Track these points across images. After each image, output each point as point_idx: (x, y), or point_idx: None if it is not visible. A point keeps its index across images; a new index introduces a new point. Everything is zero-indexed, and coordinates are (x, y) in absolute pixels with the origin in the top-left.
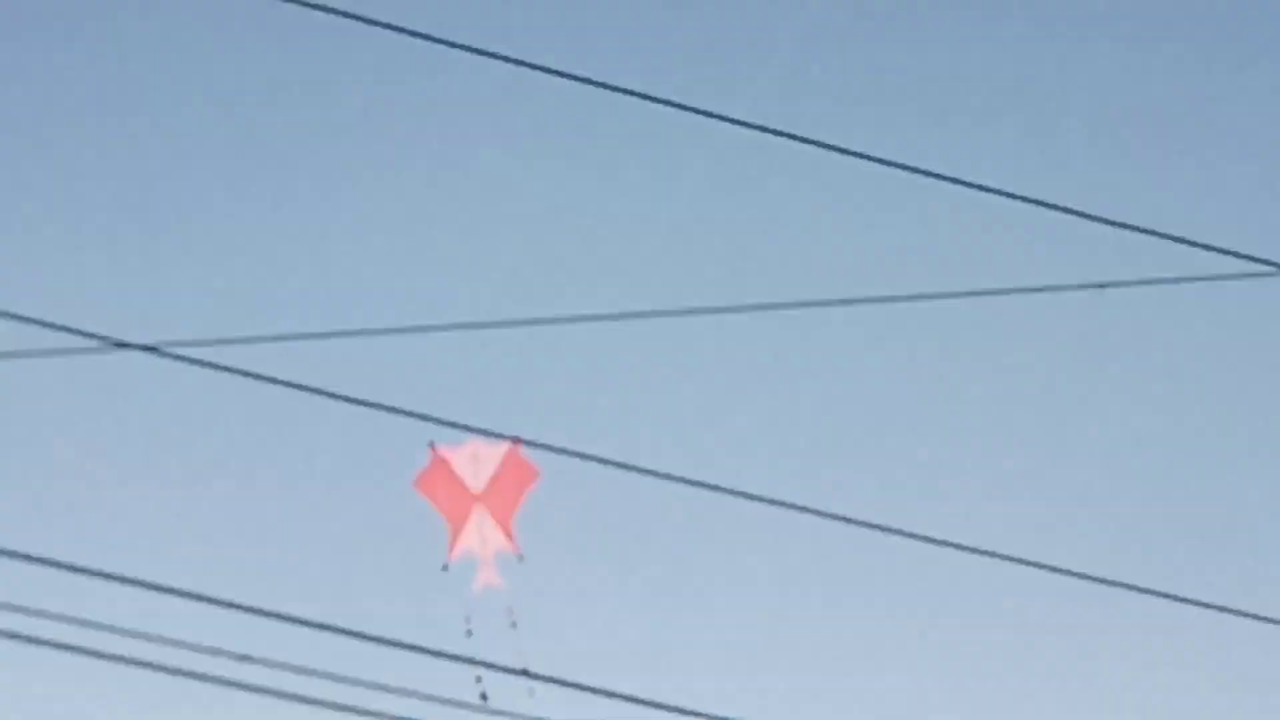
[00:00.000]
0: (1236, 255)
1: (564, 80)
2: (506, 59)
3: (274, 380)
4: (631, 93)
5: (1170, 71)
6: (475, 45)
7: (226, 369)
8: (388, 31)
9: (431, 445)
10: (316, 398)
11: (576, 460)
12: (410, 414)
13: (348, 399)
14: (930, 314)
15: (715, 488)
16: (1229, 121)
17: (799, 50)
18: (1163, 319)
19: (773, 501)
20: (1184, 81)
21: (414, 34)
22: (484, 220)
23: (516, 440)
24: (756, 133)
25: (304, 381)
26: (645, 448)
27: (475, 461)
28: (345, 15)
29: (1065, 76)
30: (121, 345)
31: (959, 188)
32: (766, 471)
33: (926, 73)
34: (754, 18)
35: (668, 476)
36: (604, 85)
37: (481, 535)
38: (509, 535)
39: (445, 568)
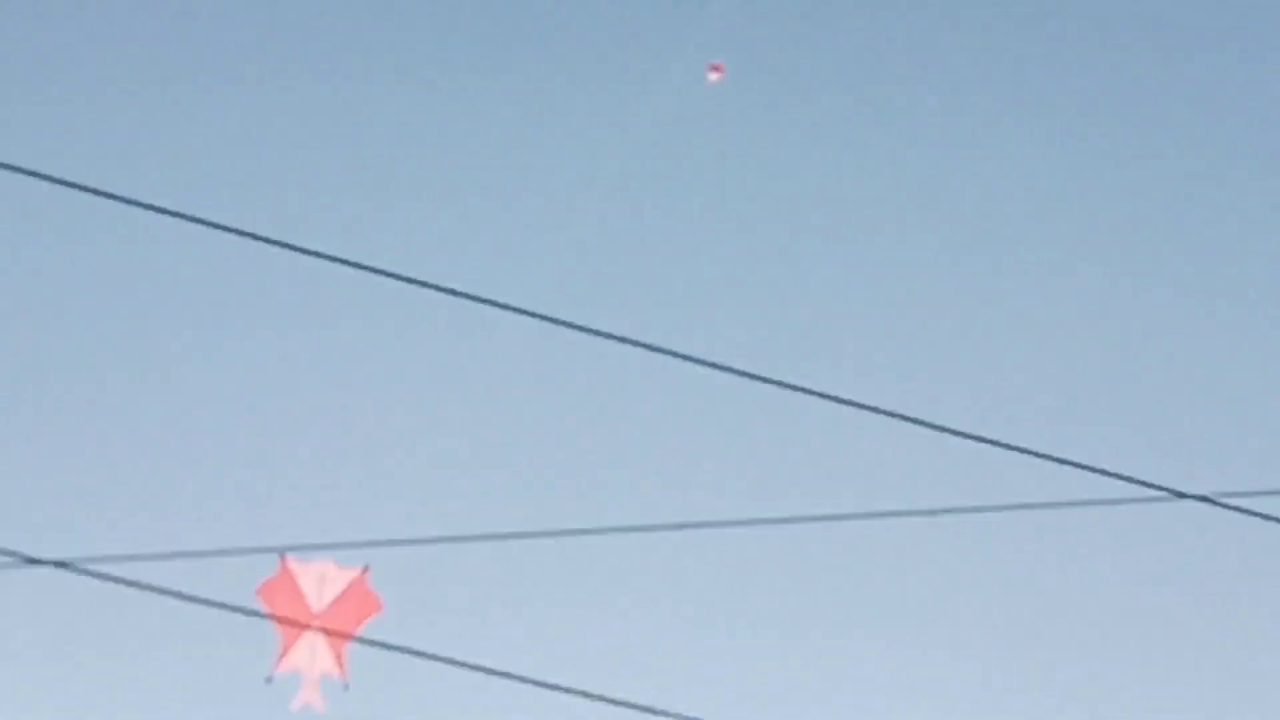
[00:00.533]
0: (1132, 480)
1: (403, 284)
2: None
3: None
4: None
5: (1045, 291)
6: None
7: (137, 584)
8: None
9: (282, 557)
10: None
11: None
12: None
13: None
14: (818, 532)
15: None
16: (1113, 345)
17: (670, 260)
18: (1065, 543)
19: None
20: (1064, 304)
21: None
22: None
23: (365, 568)
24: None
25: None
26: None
27: (322, 581)
28: None
29: (948, 294)
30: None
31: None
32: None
33: (803, 294)
34: (625, 231)
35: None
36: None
37: (312, 655)
38: (339, 660)
39: (269, 679)
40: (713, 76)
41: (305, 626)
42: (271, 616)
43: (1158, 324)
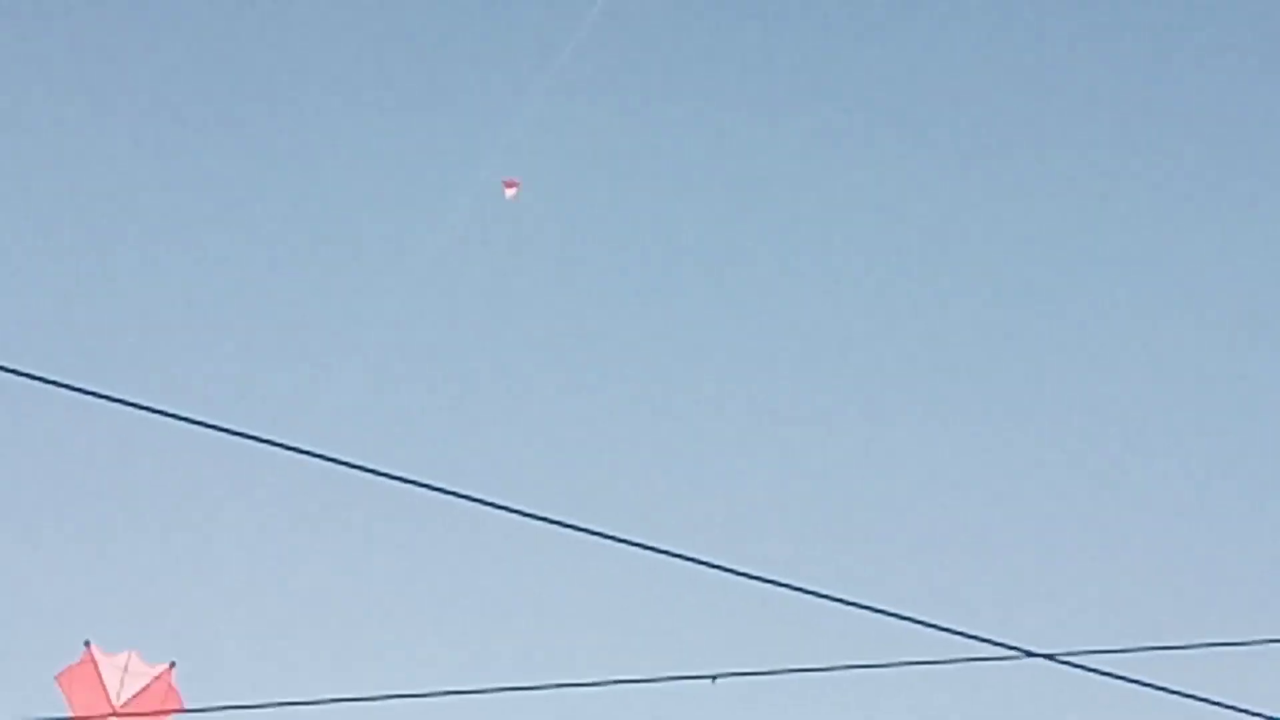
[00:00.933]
0: (983, 640)
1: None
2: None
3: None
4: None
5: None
6: None
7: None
8: None
9: (87, 644)
10: None
11: None
12: None
13: None
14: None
15: None
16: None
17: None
18: (911, 702)
19: None
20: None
21: None
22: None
23: (171, 665)
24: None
25: None
26: None
27: (125, 674)
28: None
29: (787, 449)
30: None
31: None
32: None
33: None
34: (502, 392)
35: None
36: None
37: None
38: None
39: None
40: (509, 192)
41: (102, 717)
42: (68, 699)
43: (1001, 485)
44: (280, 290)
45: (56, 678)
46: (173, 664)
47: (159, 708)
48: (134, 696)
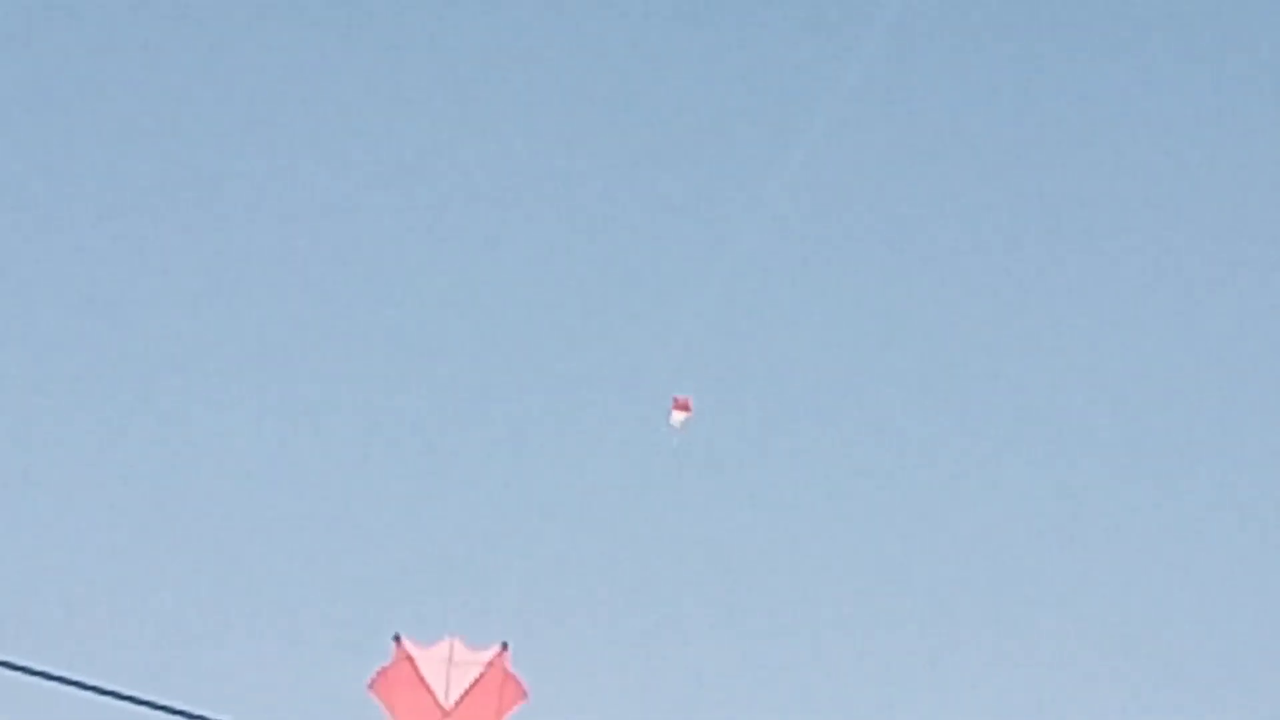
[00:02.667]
0: None
1: None
2: None
3: None
4: None
5: None
6: None
7: None
8: None
9: (397, 638)
10: None
11: None
12: None
13: None
14: None
15: None
16: None
17: None
18: None
19: None
20: None
21: None
22: None
23: (504, 646)
24: None
25: None
26: None
27: (450, 666)
28: None
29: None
30: None
31: None
32: None
33: None
34: None
35: None
36: None
37: None
38: None
39: None
40: (678, 416)
41: None
42: (391, 714)
43: None
44: None
45: (369, 686)
46: (505, 645)
47: (498, 700)
48: (466, 692)
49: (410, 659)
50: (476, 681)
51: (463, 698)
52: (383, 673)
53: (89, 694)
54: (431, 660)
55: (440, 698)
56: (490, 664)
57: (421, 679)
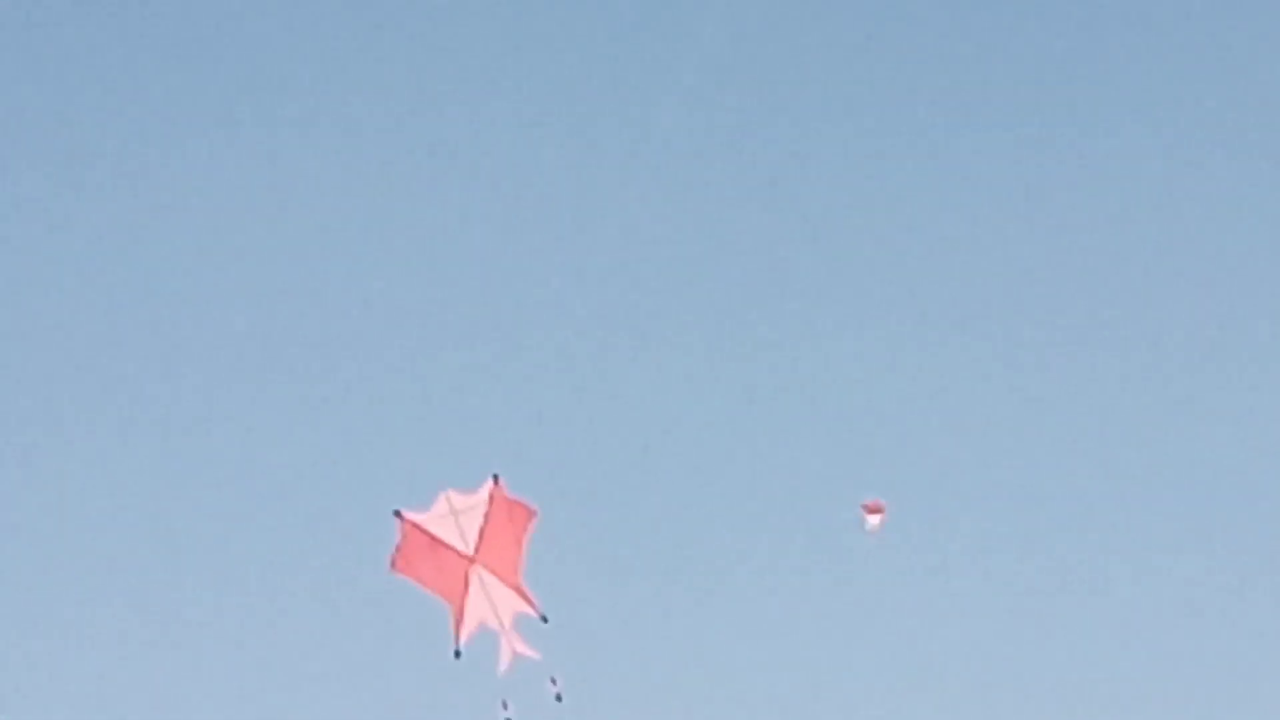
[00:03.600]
0: None
1: None
2: None
3: None
4: None
5: None
6: None
7: None
8: None
9: (397, 514)
10: None
11: None
12: None
13: None
14: None
15: None
16: None
17: None
18: None
19: None
20: None
21: None
22: None
23: (495, 478)
24: None
25: None
26: None
27: (456, 517)
28: None
29: None
30: None
31: None
32: None
33: None
34: None
35: None
36: None
37: (491, 603)
38: (522, 594)
39: (458, 654)
40: (873, 520)
41: (465, 576)
42: (423, 585)
43: None
44: None
45: (391, 568)
46: (495, 476)
47: (512, 526)
48: (481, 531)
49: (417, 526)
50: (486, 518)
51: (480, 538)
52: (398, 550)
53: None
54: (436, 518)
55: (460, 548)
56: (491, 498)
57: (435, 539)
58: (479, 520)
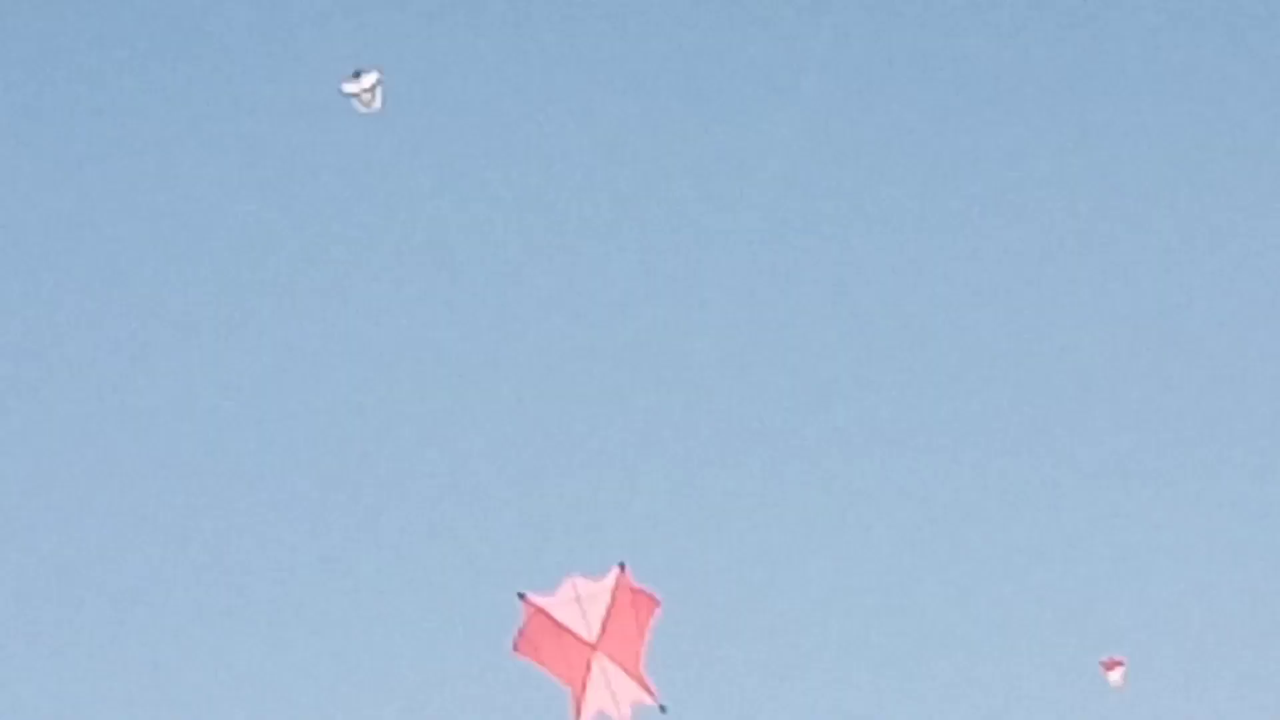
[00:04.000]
0: None
1: None
2: None
3: None
4: None
5: None
6: None
7: None
8: None
9: (522, 596)
10: None
11: None
12: None
13: None
14: None
15: None
16: None
17: None
18: None
19: None
20: None
21: None
22: None
23: (622, 566)
24: None
25: None
26: None
27: (580, 604)
28: None
29: None
30: None
31: None
32: None
33: None
34: None
35: None
36: None
37: (611, 691)
38: (643, 683)
39: None
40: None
41: (587, 663)
42: (544, 667)
43: None
44: None
45: (514, 650)
46: (622, 565)
47: (636, 616)
48: (605, 620)
49: (541, 610)
50: (610, 607)
51: (604, 626)
52: (521, 633)
53: None
54: (560, 604)
55: (583, 635)
56: (616, 586)
57: (559, 624)
58: (603, 608)
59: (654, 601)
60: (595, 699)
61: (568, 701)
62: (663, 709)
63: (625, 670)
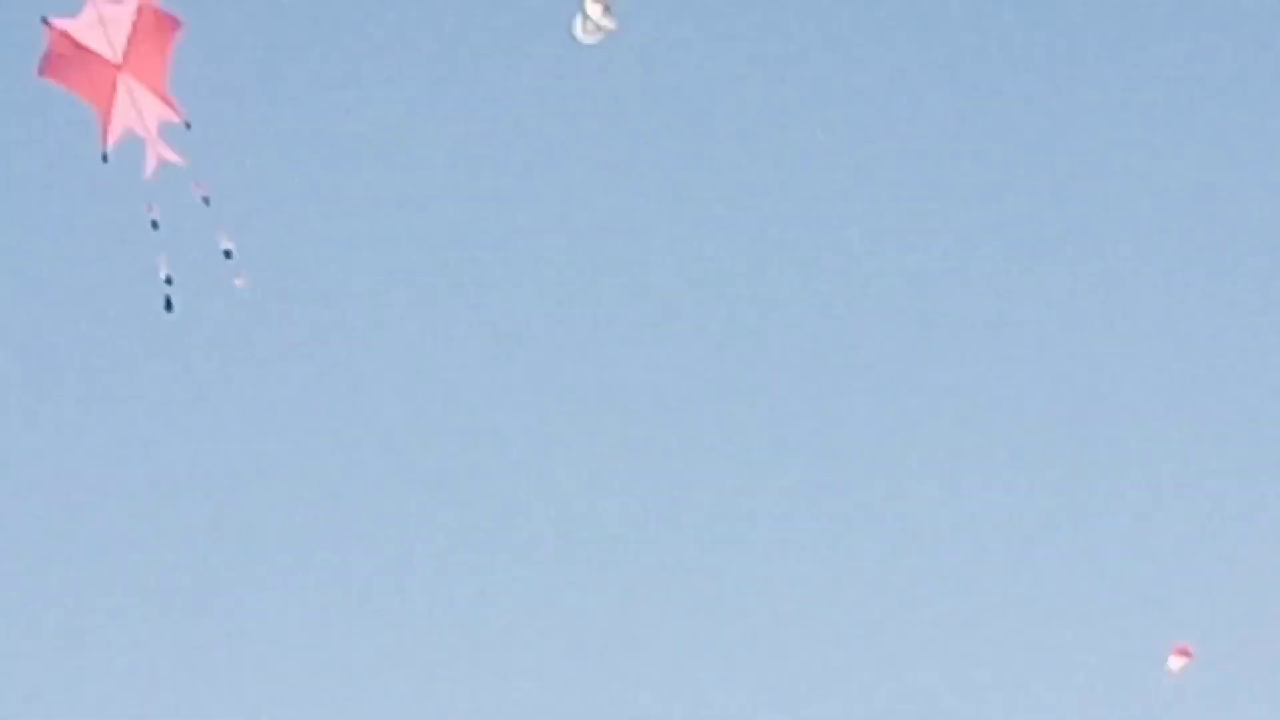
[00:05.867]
0: None
1: None
2: None
3: None
4: None
5: None
6: None
7: None
8: None
9: (45, 21)
10: None
11: None
12: None
13: None
14: None
15: None
16: None
17: None
18: None
19: None
20: None
21: None
22: None
23: None
24: None
25: None
26: None
27: (104, 25)
28: None
29: None
30: None
31: None
32: None
33: None
34: None
35: None
36: None
37: (138, 109)
38: (167, 101)
39: (105, 157)
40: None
41: (111, 82)
42: (71, 89)
43: None
44: None
45: (40, 73)
46: None
47: (160, 40)
48: (129, 40)
49: (64, 33)
50: (133, 28)
51: (128, 47)
52: (46, 57)
53: None
54: (84, 26)
55: (108, 56)
56: (139, 7)
57: (83, 46)
58: (127, 29)
59: (176, 22)
60: (121, 117)
61: (95, 125)
62: (187, 125)
63: (150, 89)
